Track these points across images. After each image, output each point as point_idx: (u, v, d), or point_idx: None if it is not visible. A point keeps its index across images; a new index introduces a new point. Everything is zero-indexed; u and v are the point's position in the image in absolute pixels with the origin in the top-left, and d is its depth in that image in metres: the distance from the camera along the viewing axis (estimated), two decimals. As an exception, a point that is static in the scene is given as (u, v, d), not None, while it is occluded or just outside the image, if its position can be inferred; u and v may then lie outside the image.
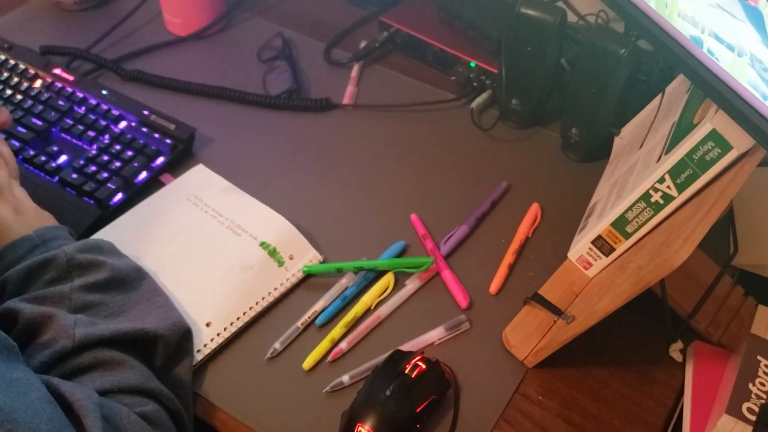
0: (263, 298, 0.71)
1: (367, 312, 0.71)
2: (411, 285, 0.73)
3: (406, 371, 0.63)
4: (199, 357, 0.66)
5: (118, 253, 0.68)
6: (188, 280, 0.72)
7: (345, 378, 0.65)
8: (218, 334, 0.68)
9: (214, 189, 0.80)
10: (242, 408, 0.64)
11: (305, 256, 0.75)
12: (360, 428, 0.60)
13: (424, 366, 0.63)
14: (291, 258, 0.74)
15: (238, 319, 0.69)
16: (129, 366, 0.58)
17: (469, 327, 0.70)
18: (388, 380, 0.62)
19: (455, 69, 0.94)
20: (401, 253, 0.76)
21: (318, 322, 0.70)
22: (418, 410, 0.61)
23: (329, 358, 0.67)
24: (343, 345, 0.68)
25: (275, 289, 0.72)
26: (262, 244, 0.75)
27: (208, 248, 0.74)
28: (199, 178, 0.82)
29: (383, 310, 0.71)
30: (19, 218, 0.66)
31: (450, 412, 0.64)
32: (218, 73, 0.96)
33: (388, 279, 0.73)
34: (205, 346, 0.67)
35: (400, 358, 0.65)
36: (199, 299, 0.70)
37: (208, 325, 0.68)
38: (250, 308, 0.70)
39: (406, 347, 0.68)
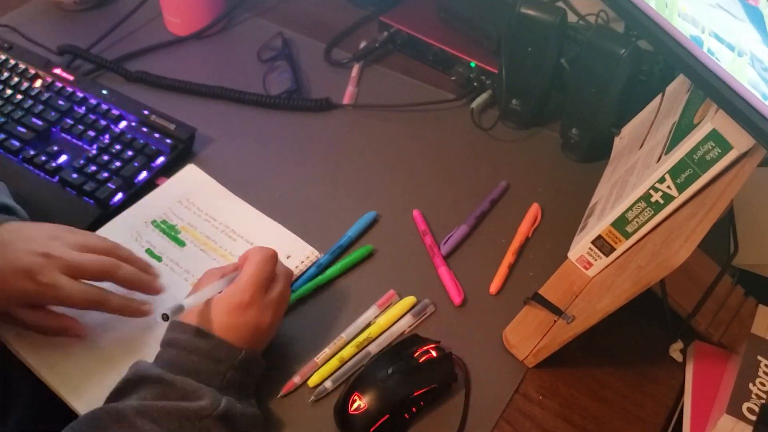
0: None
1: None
2: (371, 311, 0.71)
3: (415, 355, 0.63)
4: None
5: None
6: (185, 283, 0.72)
7: (328, 384, 0.65)
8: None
9: (205, 193, 0.80)
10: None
11: (303, 254, 0.75)
12: (356, 397, 0.61)
13: (434, 354, 0.64)
14: (288, 257, 0.74)
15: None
16: None
17: (434, 310, 0.70)
18: (394, 359, 0.63)
19: (455, 69, 0.94)
20: (372, 224, 0.78)
21: (294, 287, 0.71)
22: (414, 394, 0.62)
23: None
24: (318, 360, 0.67)
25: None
26: None
27: (203, 252, 0.75)
28: (190, 179, 0.82)
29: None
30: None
31: (455, 409, 0.64)
32: (218, 73, 0.96)
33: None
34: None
35: (414, 341, 0.65)
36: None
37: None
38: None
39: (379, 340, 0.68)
